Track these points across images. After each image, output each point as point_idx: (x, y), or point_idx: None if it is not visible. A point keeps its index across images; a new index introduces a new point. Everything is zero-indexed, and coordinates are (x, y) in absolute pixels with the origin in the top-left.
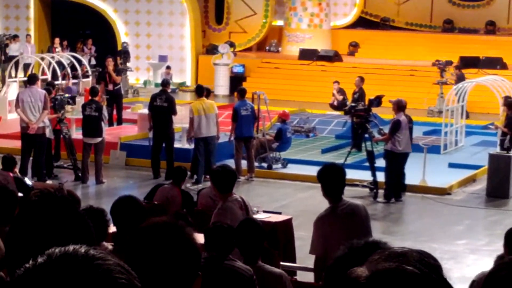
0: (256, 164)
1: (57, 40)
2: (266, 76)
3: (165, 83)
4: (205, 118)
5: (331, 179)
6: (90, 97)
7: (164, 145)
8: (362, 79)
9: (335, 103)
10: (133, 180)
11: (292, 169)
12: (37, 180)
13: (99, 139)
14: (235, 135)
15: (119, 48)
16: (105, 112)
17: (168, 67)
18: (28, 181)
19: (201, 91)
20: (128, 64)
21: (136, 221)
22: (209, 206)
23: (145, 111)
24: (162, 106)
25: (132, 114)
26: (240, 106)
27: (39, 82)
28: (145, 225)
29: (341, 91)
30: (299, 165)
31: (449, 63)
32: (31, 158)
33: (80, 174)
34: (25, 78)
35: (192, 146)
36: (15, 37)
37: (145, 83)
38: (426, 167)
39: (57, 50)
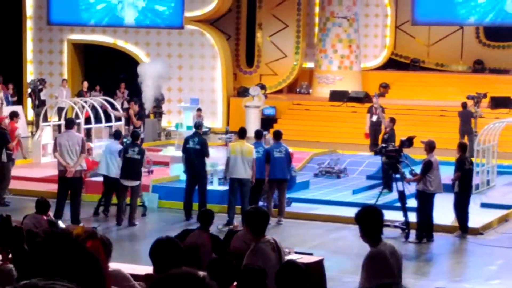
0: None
1: (85, 84)
2: (296, 118)
3: (198, 126)
4: (241, 160)
5: (369, 221)
6: (132, 140)
7: (197, 187)
8: (392, 120)
9: (374, 118)
10: (165, 222)
11: (323, 210)
12: (71, 223)
13: (137, 182)
14: (268, 176)
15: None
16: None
17: (199, 110)
18: (61, 224)
19: (243, 134)
20: (162, 107)
21: (175, 263)
22: (242, 249)
23: (177, 153)
24: (194, 149)
25: (164, 156)
26: (274, 148)
27: (76, 126)
28: (164, 276)
29: (381, 108)
30: (330, 206)
31: (484, 96)
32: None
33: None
34: (60, 122)
35: (226, 185)
36: (43, 81)
37: (176, 126)
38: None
39: (93, 94)
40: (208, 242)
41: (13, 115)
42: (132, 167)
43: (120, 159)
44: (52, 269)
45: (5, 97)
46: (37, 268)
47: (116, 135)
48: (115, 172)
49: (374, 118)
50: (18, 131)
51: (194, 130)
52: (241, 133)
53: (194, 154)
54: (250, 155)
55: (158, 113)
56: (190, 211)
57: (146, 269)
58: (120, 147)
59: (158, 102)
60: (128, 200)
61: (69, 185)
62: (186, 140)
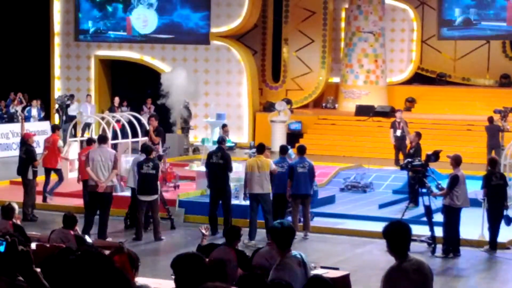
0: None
1: (116, 99)
2: (322, 133)
3: (221, 140)
4: (258, 175)
5: (397, 236)
6: (145, 156)
7: (221, 202)
8: (418, 135)
9: (398, 133)
10: (191, 237)
11: (349, 224)
12: (98, 238)
13: (155, 197)
14: (291, 192)
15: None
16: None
17: (225, 125)
18: (88, 239)
19: (262, 150)
20: (189, 123)
21: (197, 278)
22: (263, 266)
23: (203, 168)
24: (218, 163)
25: (190, 171)
26: (297, 164)
27: (109, 142)
28: None
29: (404, 122)
30: (356, 220)
31: (511, 110)
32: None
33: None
34: (82, 138)
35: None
36: (72, 97)
37: (203, 141)
38: (484, 222)
39: (123, 109)
40: (234, 258)
41: (55, 128)
42: (148, 182)
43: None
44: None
45: (38, 114)
46: (70, 285)
47: (144, 149)
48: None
49: (398, 132)
50: (60, 142)
51: (217, 145)
52: (260, 149)
53: (218, 169)
54: (266, 169)
55: (185, 128)
56: (216, 225)
57: (173, 284)
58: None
59: (186, 117)
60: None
61: (99, 200)
62: (210, 155)
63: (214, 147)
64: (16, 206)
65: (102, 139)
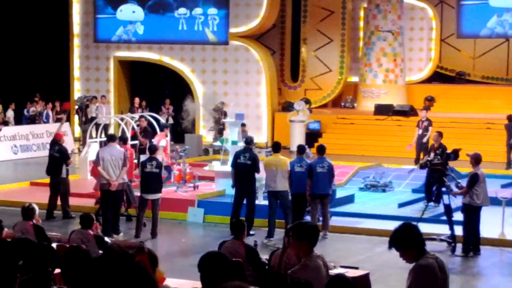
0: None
1: (137, 100)
2: (341, 132)
3: (249, 141)
4: (276, 172)
5: (408, 236)
6: (150, 155)
7: (245, 201)
8: (440, 134)
9: (420, 132)
10: (210, 237)
11: (368, 223)
12: (113, 233)
13: (159, 195)
14: (310, 191)
15: (196, 107)
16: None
17: (243, 125)
18: (107, 239)
19: (278, 148)
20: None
21: (223, 277)
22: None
23: (222, 168)
24: (245, 164)
25: (209, 171)
26: (317, 163)
27: (118, 140)
28: None
29: (428, 121)
30: (376, 219)
31: None
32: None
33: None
34: (98, 139)
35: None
36: (93, 98)
37: (221, 141)
38: (505, 220)
39: (139, 110)
40: (243, 251)
41: (164, 127)
42: (151, 181)
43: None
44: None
45: (44, 114)
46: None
47: (148, 149)
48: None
49: (420, 131)
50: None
51: (245, 145)
52: (276, 147)
53: (245, 169)
54: (284, 167)
55: (218, 129)
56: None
57: (192, 283)
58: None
59: (218, 118)
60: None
61: (111, 198)
62: (237, 155)
63: (235, 147)
64: (36, 207)
65: (111, 138)
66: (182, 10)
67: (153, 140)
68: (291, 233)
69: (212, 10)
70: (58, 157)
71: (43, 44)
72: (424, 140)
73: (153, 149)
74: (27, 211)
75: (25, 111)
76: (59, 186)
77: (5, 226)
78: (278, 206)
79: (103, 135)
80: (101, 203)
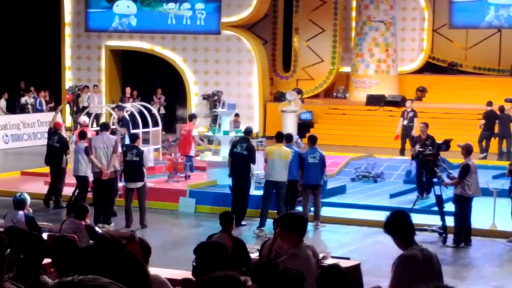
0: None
1: (128, 90)
2: (333, 122)
3: (248, 131)
4: (279, 163)
5: (399, 225)
6: (131, 143)
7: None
8: (427, 125)
9: (405, 122)
10: (202, 227)
11: (360, 214)
12: (103, 222)
13: (141, 184)
14: (302, 182)
15: (188, 97)
16: (146, 159)
17: (237, 115)
18: (98, 229)
19: (281, 138)
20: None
21: (219, 267)
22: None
23: (213, 158)
24: (242, 154)
25: (201, 161)
26: (308, 154)
27: (110, 129)
28: (208, 278)
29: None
30: (367, 210)
31: None
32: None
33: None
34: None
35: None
36: (84, 88)
37: (213, 130)
38: (496, 211)
39: (130, 99)
40: (230, 244)
41: (192, 117)
42: (132, 169)
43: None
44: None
45: (37, 103)
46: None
47: (130, 137)
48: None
49: (405, 122)
50: (195, 131)
51: (243, 135)
52: (279, 137)
53: (241, 159)
54: (287, 158)
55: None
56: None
57: (184, 274)
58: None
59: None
60: (135, 203)
61: (104, 186)
62: (234, 145)
63: (226, 137)
64: (28, 197)
65: (104, 126)
66: (171, 5)
67: (183, 129)
68: (280, 224)
69: (199, 5)
70: (59, 147)
71: (34, 33)
72: (413, 132)
73: (134, 137)
74: (19, 201)
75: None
76: (61, 176)
77: None
78: (273, 196)
79: (94, 125)
80: (93, 192)
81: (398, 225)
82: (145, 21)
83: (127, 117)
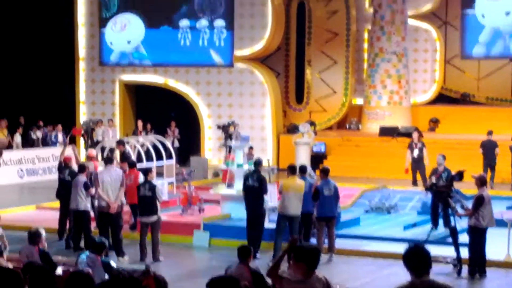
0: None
1: (140, 123)
2: (346, 154)
3: (258, 163)
4: (294, 196)
5: (415, 259)
6: (144, 178)
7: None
8: (444, 157)
9: (415, 154)
10: (216, 260)
11: (374, 246)
12: (117, 256)
13: (155, 218)
14: (317, 214)
15: (202, 130)
16: (159, 192)
17: (251, 147)
18: (113, 263)
19: (294, 170)
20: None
21: None
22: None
23: (227, 191)
24: (253, 186)
25: (214, 195)
26: (323, 186)
27: (115, 162)
28: None
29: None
30: (381, 242)
31: None
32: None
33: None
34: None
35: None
36: (98, 122)
37: (227, 163)
38: (510, 242)
39: (142, 133)
40: (249, 276)
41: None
42: (146, 204)
43: (85, 191)
44: None
45: (52, 137)
46: None
47: (143, 172)
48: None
49: (415, 153)
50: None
51: (253, 167)
52: (292, 170)
53: (253, 191)
54: (301, 190)
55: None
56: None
57: None
58: (84, 179)
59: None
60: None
61: (111, 220)
62: (246, 177)
63: (240, 170)
64: (43, 232)
65: (108, 160)
66: (184, 22)
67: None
68: (292, 255)
69: (220, 22)
70: (70, 180)
71: (49, 68)
72: (426, 162)
73: (147, 172)
74: (33, 236)
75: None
76: (69, 209)
77: (11, 250)
78: (287, 229)
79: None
80: (98, 226)
81: (409, 259)
82: (155, 48)
83: (129, 152)
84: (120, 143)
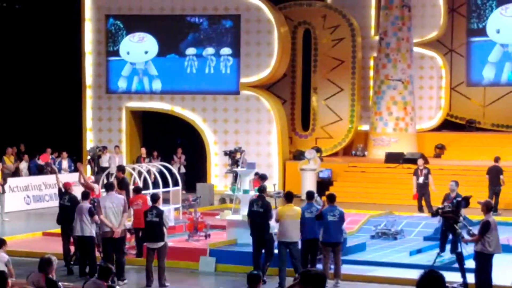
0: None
1: (143, 150)
2: (352, 180)
3: (262, 189)
4: (291, 223)
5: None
6: (151, 204)
7: (263, 250)
8: (457, 184)
9: (420, 180)
10: (222, 287)
11: (380, 271)
12: (118, 279)
13: (161, 244)
14: (322, 239)
15: (208, 156)
16: (166, 219)
17: (257, 174)
18: None
19: (291, 198)
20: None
21: None
22: None
23: (233, 217)
24: (258, 211)
25: (221, 220)
26: (328, 212)
27: (116, 188)
28: None
29: (427, 170)
30: (388, 267)
31: None
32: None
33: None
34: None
35: None
36: (104, 149)
37: (233, 189)
38: None
39: (146, 160)
40: None
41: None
42: (153, 229)
43: (90, 217)
44: None
45: (69, 166)
46: None
47: (151, 198)
48: (88, 231)
49: (421, 180)
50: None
51: (258, 193)
52: (288, 197)
53: (259, 217)
54: (298, 218)
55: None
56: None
57: None
58: (88, 206)
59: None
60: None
61: (114, 245)
62: (251, 203)
63: (246, 196)
64: (55, 261)
65: (109, 186)
66: (191, 50)
67: (133, 191)
68: (299, 280)
69: (226, 50)
70: (69, 206)
71: (56, 95)
72: (433, 188)
73: (155, 198)
74: (44, 263)
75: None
76: (70, 234)
77: (17, 276)
78: (288, 255)
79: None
80: (103, 251)
81: (424, 285)
82: (162, 77)
83: (127, 180)
84: (120, 169)
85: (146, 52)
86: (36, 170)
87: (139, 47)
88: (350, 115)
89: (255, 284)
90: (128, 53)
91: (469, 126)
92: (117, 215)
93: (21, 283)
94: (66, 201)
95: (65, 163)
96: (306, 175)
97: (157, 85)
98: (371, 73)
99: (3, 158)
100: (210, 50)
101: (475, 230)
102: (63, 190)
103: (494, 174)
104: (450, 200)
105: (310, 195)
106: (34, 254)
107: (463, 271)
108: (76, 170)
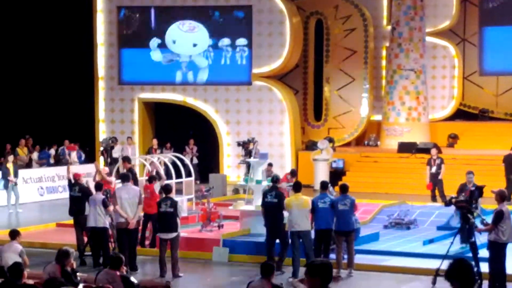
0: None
1: (155, 141)
2: (365, 170)
3: (276, 180)
4: (298, 212)
5: (463, 275)
6: (165, 194)
7: (278, 240)
8: (473, 174)
9: (433, 170)
10: (235, 276)
11: (393, 261)
12: (130, 270)
13: (175, 234)
14: (334, 228)
15: (220, 147)
16: (180, 209)
17: (270, 164)
18: (133, 279)
19: (299, 188)
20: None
21: None
22: None
23: (246, 207)
24: (272, 202)
25: (234, 211)
26: (339, 201)
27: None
28: None
29: (440, 160)
30: (401, 257)
31: None
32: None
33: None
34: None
35: None
36: (116, 139)
37: (246, 180)
38: None
39: (157, 151)
40: None
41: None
42: (166, 220)
43: (104, 208)
44: None
45: (79, 157)
46: None
47: (164, 189)
48: (102, 222)
49: (434, 170)
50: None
51: (272, 184)
52: (297, 187)
53: (272, 208)
54: (306, 206)
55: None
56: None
57: None
58: (102, 197)
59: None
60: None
61: (128, 235)
62: (265, 194)
63: (258, 186)
64: (72, 253)
65: (125, 177)
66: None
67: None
68: (306, 271)
69: (242, 41)
70: (80, 196)
71: (69, 87)
72: (440, 177)
73: (169, 188)
74: (61, 255)
75: (51, 151)
76: (84, 224)
77: (31, 267)
78: (301, 245)
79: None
80: (117, 242)
81: (456, 273)
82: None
83: (134, 171)
84: (126, 159)
85: (194, 45)
86: (48, 161)
87: (188, 38)
88: (363, 105)
89: (269, 274)
90: (174, 41)
91: (482, 115)
92: (132, 206)
93: (36, 273)
94: (77, 191)
95: (74, 154)
96: (319, 165)
97: (202, 75)
98: (384, 63)
99: (16, 150)
100: (226, 41)
101: (489, 219)
102: (72, 181)
103: (510, 162)
104: (467, 191)
105: (324, 185)
106: (48, 245)
107: (476, 260)
108: (86, 161)
